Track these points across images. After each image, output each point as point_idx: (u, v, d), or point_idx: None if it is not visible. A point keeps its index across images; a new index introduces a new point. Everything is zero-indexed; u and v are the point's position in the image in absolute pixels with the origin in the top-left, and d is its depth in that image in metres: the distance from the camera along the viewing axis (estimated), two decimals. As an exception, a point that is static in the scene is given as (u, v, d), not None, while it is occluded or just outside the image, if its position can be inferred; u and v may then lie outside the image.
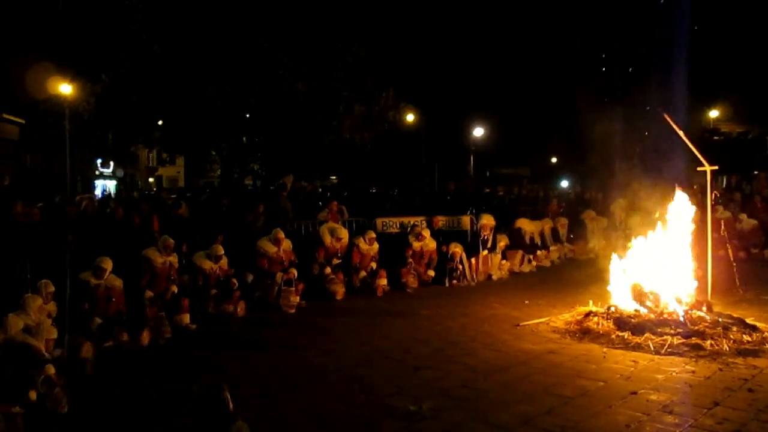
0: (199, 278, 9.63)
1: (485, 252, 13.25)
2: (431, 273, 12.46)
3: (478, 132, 39.74)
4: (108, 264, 8.18)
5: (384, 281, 11.82)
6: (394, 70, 24.56)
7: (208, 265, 9.72)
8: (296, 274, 10.51)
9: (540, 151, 40.86)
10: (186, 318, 8.97)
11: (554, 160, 44.62)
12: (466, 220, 13.86)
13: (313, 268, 11.21)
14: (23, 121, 40.25)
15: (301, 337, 8.49)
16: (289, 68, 19.12)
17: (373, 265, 11.90)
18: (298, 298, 10.35)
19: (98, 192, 41.36)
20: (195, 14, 18.88)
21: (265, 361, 7.38)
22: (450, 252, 12.57)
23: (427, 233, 12.57)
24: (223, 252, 9.85)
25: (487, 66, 38.09)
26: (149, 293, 8.77)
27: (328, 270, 11.32)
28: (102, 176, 51.65)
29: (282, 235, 10.83)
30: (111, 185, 49.37)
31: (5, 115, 39.84)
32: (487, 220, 13.55)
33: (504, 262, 13.60)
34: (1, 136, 40.72)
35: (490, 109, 37.22)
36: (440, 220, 13.54)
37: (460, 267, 12.58)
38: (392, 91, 21.59)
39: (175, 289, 9.17)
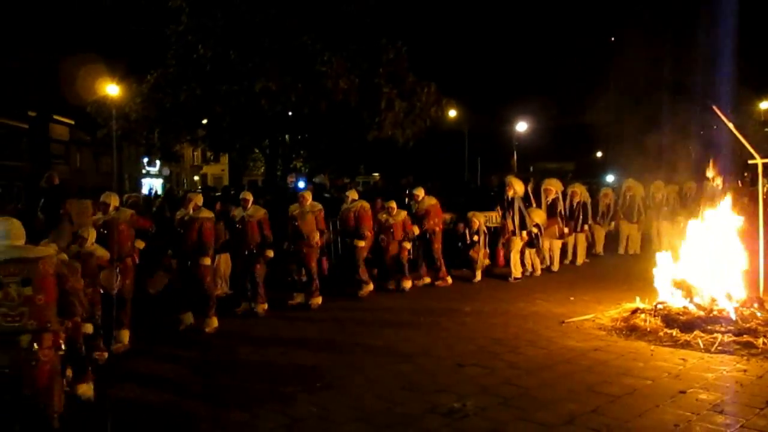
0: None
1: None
2: (447, 216, 12.34)
3: (522, 127, 39.46)
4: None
5: (428, 280, 11.85)
6: (436, 66, 24.49)
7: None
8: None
9: (585, 146, 40.33)
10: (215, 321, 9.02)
11: (599, 154, 43.99)
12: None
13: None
14: (72, 122, 41.43)
15: (343, 334, 8.53)
16: (331, 65, 19.17)
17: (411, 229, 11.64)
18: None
19: (145, 190, 42.23)
20: (238, 13, 19.06)
21: (308, 357, 7.42)
22: (470, 221, 12.33)
23: (421, 192, 12.13)
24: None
25: (530, 60, 37.80)
26: (207, 260, 8.86)
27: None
28: (149, 175, 52.78)
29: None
30: (157, 183, 50.36)
31: (56, 117, 41.06)
32: (554, 185, 13.03)
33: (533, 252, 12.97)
34: (52, 137, 42.01)
35: (533, 104, 36.88)
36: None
37: (476, 238, 12.28)
38: (434, 87, 21.46)
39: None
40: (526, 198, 12.94)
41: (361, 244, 11.05)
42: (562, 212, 13.56)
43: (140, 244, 8.50)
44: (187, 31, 19.40)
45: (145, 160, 48.91)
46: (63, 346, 4.28)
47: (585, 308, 9.56)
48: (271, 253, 9.80)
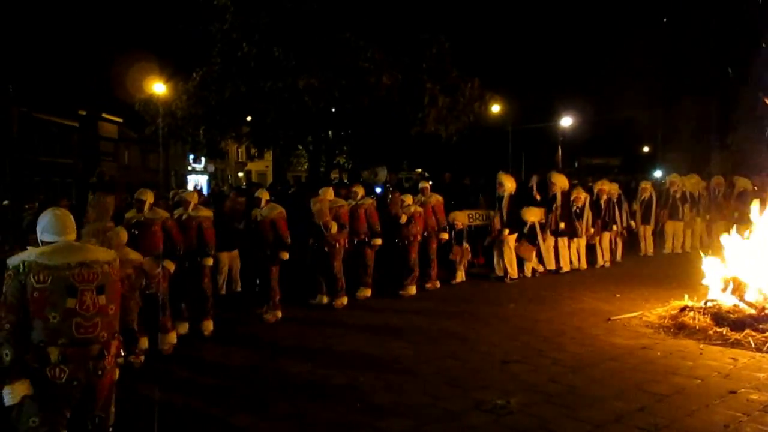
0: None
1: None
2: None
3: (567, 122, 38.99)
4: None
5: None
6: (479, 61, 24.29)
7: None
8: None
9: (632, 140, 39.65)
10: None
11: (646, 149, 43.23)
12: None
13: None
14: (121, 120, 42.31)
15: (387, 330, 8.53)
16: (374, 61, 19.20)
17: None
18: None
19: (190, 187, 42.86)
20: (281, 10, 19.23)
21: (352, 352, 7.46)
22: (453, 222, 11.76)
23: (427, 185, 11.76)
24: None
25: (575, 54, 37.33)
26: (209, 261, 8.66)
27: None
28: (194, 171, 53.59)
29: None
30: (203, 180, 51.12)
31: (105, 115, 42.00)
32: (556, 180, 12.51)
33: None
34: (101, 135, 42.96)
35: (579, 98, 36.42)
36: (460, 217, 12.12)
37: (464, 244, 11.84)
38: (477, 82, 21.32)
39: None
40: (528, 193, 12.51)
41: (380, 242, 10.50)
42: (558, 209, 12.66)
43: (170, 266, 7.75)
44: (231, 29, 19.65)
45: (191, 157, 49.63)
46: (122, 353, 4.04)
47: (632, 306, 9.43)
48: (285, 255, 9.09)
